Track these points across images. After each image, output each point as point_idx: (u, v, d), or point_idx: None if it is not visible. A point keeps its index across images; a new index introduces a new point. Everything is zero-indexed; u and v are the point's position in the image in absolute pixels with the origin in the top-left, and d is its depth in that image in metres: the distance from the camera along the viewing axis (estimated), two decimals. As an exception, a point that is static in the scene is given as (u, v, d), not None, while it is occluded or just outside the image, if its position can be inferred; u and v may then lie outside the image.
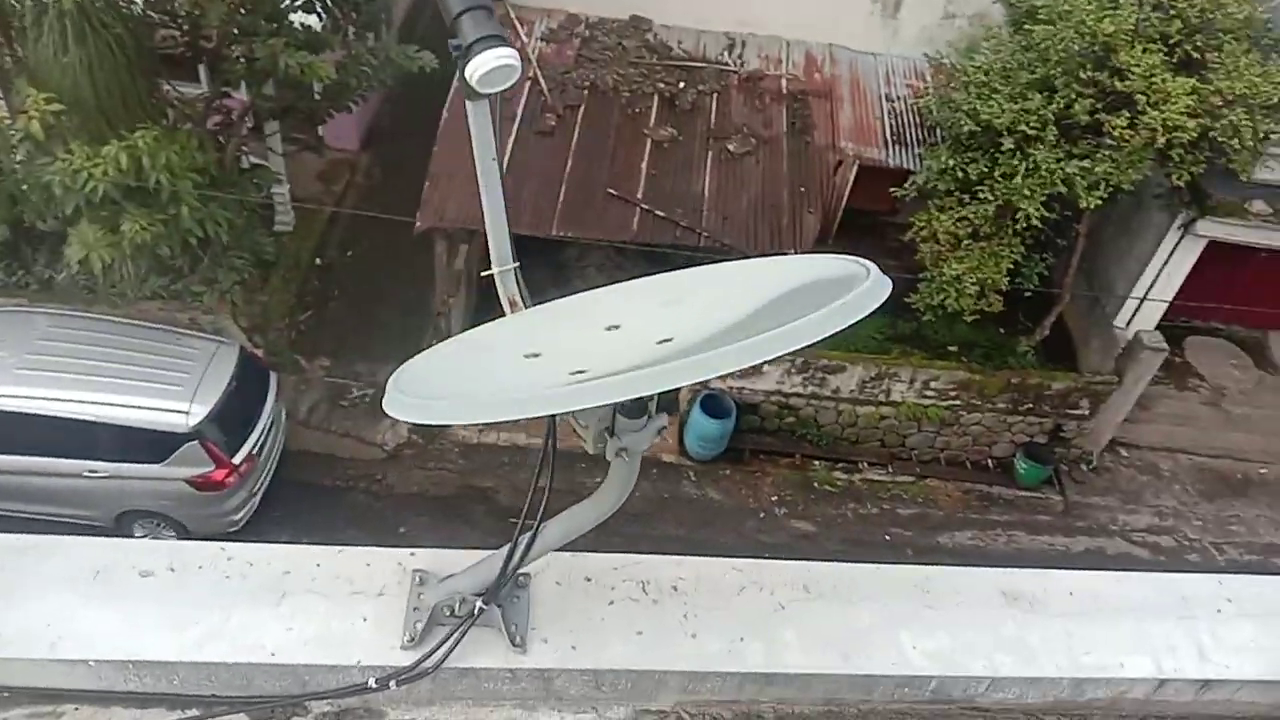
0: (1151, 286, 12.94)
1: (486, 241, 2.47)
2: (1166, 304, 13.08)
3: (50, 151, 9.44)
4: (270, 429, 10.94)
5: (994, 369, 12.92)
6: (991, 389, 12.77)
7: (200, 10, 9.53)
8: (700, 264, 2.52)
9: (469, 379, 2.16)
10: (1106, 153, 10.53)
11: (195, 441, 10.07)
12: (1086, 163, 10.67)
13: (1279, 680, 2.76)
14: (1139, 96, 10.13)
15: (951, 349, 13.43)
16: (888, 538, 12.75)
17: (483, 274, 2.57)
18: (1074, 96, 10.64)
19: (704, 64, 13.35)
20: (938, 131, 12.32)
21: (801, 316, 1.74)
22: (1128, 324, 13.28)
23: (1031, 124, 10.75)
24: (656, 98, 12.81)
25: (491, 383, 2.13)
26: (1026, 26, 11.04)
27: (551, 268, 14.55)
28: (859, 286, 1.82)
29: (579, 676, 2.51)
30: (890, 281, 1.89)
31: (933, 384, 12.85)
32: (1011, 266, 11.50)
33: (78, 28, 8.83)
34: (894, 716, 2.63)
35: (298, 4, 10.42)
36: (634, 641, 2.55)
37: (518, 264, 2.48)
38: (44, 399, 9.90)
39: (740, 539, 12.30)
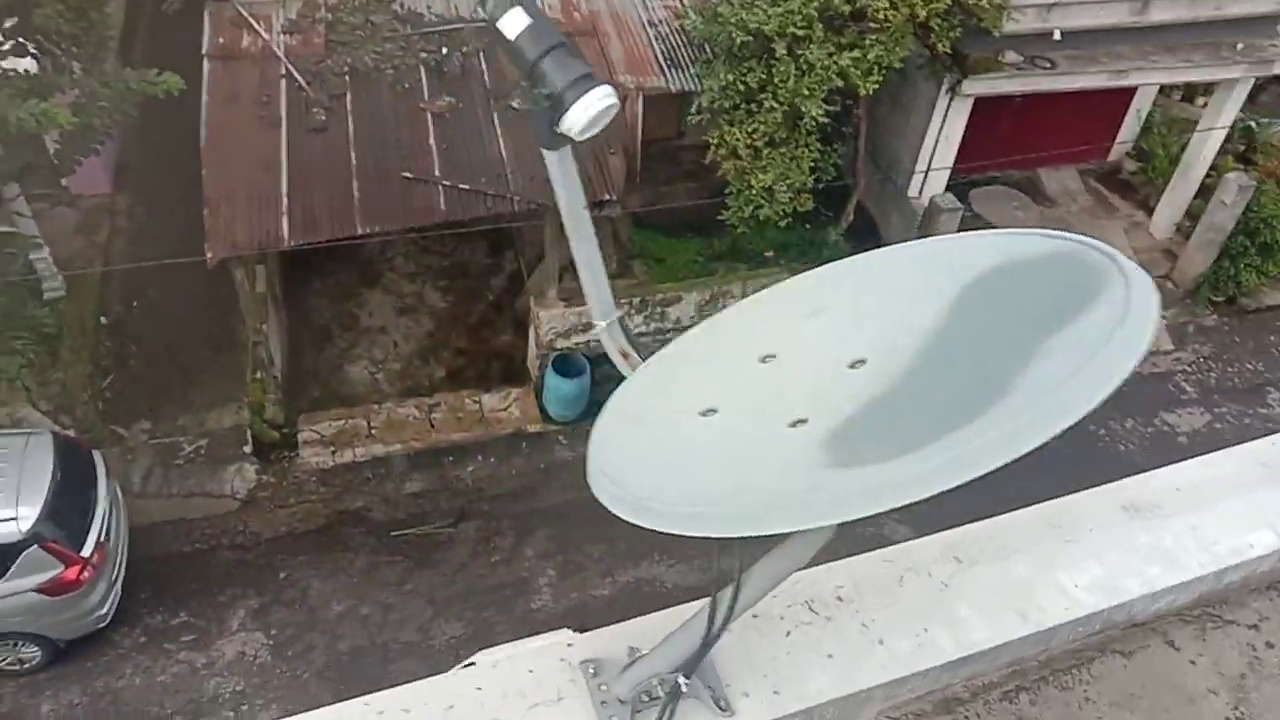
0: (934, 153, 13.70)
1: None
2: (950, 168, 13.91)
3: None
4: (111, 510, 10.04)
5: (812, 263, 13.37)
6: (817, 283, 13.24)
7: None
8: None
9: (676, 466, 1.85)
10: (874, 38, 10.95)
11: (34, 545, 9.15)
12: (856, 52, 11.08)
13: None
14: (892, -25, 10.57)
15: (769, 255, 13.83)
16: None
17: (592, 333, 2.23)
18: (832, -11, 10.98)
19: (461, 24, 12.89)
20: (708, 48, 12.43)
21: (1050, 328, 1.51)
22: (920, 192, 14.05)
23: (799, 24, 11.03)
24: (423, 69, 12.30)
25: (711, 464, 1.83)
26: (773, -70, 11.21)
27: (357, 267, 13.95)
28: (1107, 278, 1.57)
29: None
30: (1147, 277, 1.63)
31: (763, 292, 13.20)
32: (813, 164, 11.87)
33: None
34: (1070, 657, 2.65)
35: (6, 48, 9.30)
36: (830, 666, 2.40)
37: (620, 314, 2.22)
38: None
39: (622, 487, 12.36)
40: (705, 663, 2.18)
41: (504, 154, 11.46)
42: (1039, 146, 14.97)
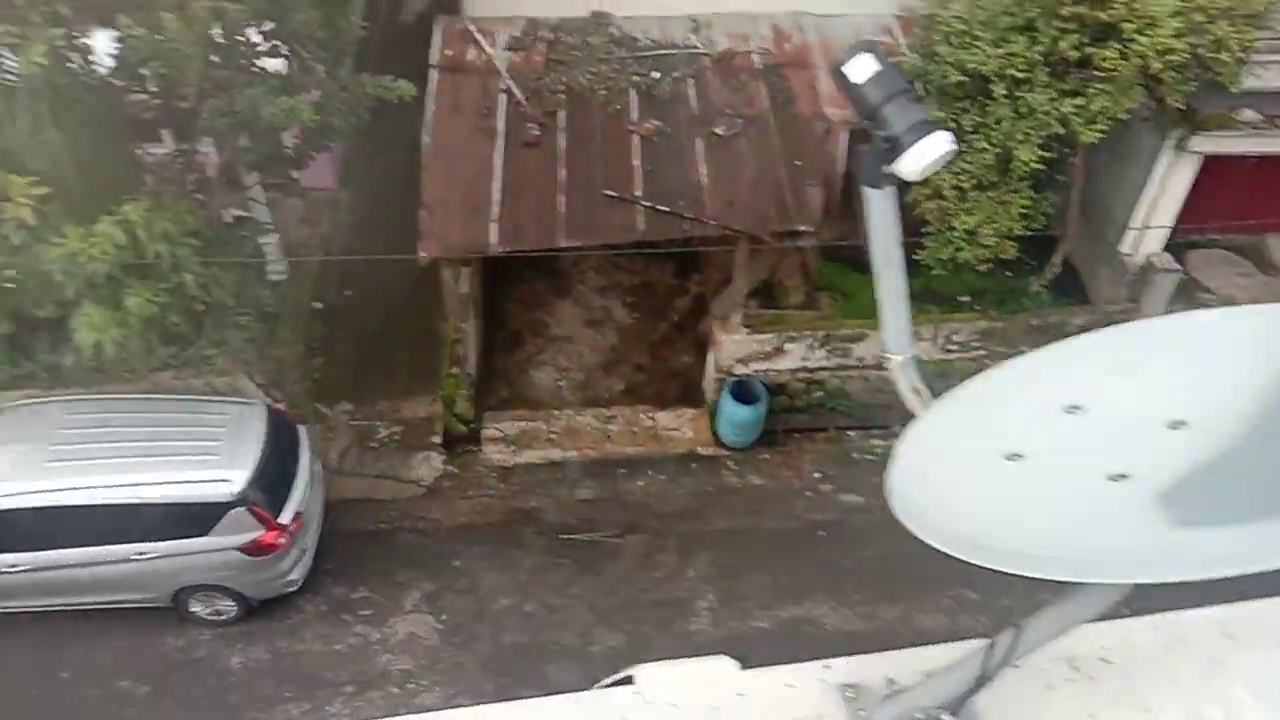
0: (1152, 210, 13.00)
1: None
2: (1168, 227, 13.17)
3: (43, 237, 9.14)
4: (310, 482, 10.74)
5: (1011, 313, 12.96)
6: (1013, 333, 12.80)
7: (176, 70, 9.25)
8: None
9: (992, 506, 1.87)
10: (1100, 86, 10.54)
11: (241, 507, 9.88)
12: (1080, 100, 10.68)
13: None
14: (1125, 25, 10.14)
15: (963, 299, 13.46)
16: (933, 496, 12.74)
17: (883, 366, 2.34)
18: (1058, 34, 10.64)
19: (673, 50, 13.20)
20: (919, 86, 12.26)
21: None
22: (1133, 249, 13.35)
23: (1019, 67, 10.74)
24: (633, 91, 12.66)
25: (1029, 507, 1.84)
26: (1000, -29, 11.00)
27: (552, 278, 14.45)
28: None
29: None
30: None
31: (955, 337, 12.87)
32: (1023, 211, 11.50)
33: (52, 107, 8.55)
34: None
35: (263, 50, 10.17)
36: None
37: (916, 353, 2.30)
38: (80, 489, 9.65)
39: (793, 521, 12.27)
40: (967, 709, 2.18)
41: (704, 179, 11.63)
42: (1271, 212, 13.97)
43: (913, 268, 12.54)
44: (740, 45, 13.39)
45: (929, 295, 13.41)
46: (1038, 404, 2.00)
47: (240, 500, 9.86)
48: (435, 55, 12.73)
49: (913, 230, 12.43)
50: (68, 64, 8.58)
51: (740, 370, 12.74)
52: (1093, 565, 1.61)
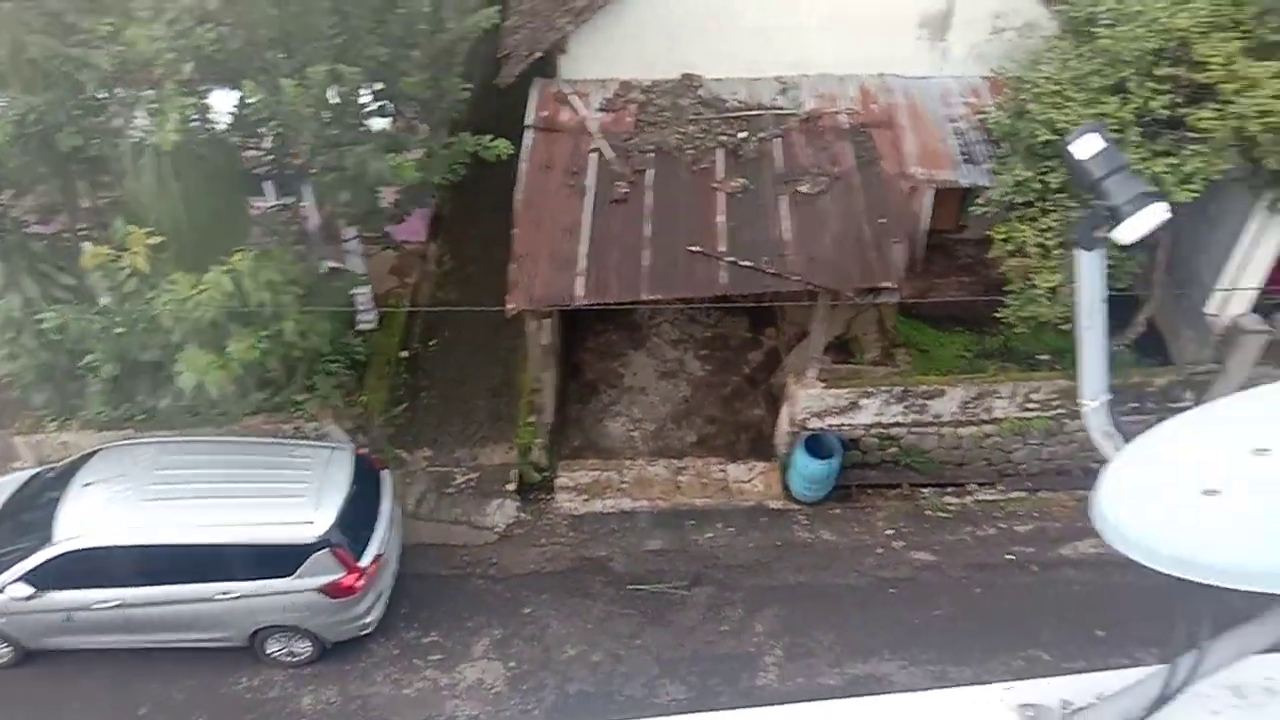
0: (1242, 271, 12.74)
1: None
2: (1257, 289, 12.88)
3: (154, 284, 9.61)
4: (390, 526, 10.97)
5: (1093, 374, 12.73)
6: (1096, 395, 12.57)
7: (292, 129, 9.71)
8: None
9: (1200, 534, 2.05)
10: (1194, 147, 10.44)
11: (324, 550, 10.13)
12: (1173, 159, 10.59)
13: None
14: (1222, 86, 10.06)
15: (1043, 358, 13.30)
16: (1009, 557, 12.54)
17: (1080, 407, 2.58)
18: (1150, 95, 10.59)
19: (761, 111, 13.40)
20: (1004, 145, 12.28)
21: None
22: (1220, 310, 13.08)
23: (1110, 127, 10.69)
24: (720, 150, 12.87)
25: (1233, 536, 2.02)
26: (1091, 31, 11.01)
27: (627, 329, 14.65)
28: None
29: None
30: None
31: (1033, 395, 12.70)
32: (1107, 270, 11.35)
33: (177, 165, 9.04)
34: None
35: (372, 110, 10.61)
36: None
37: (1109, 398, 2.49)
38: (173, 527, 10.00)
39: (862, 577, 12.16)
40: None
41: (786, 235, 11.74)
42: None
43: (989, 324, 12.58)
44: (827, 106, 13.55)
45: (1009, 354, 13.31)
46: (1226, 446, 2.16)
47: (324, 543, 10.12)
48: (531, 115, 13.13)
49: (991, 287, 12.40)
50: (191, 124, 9.06)
51: (814, 424, 12.73)
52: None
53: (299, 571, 10.18)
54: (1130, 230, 2.11)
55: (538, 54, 12.89)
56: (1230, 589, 1.79)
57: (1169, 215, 2.10)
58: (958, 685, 2.51)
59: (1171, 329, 13.89)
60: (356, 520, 10.53)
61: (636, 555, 12.40)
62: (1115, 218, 2.15)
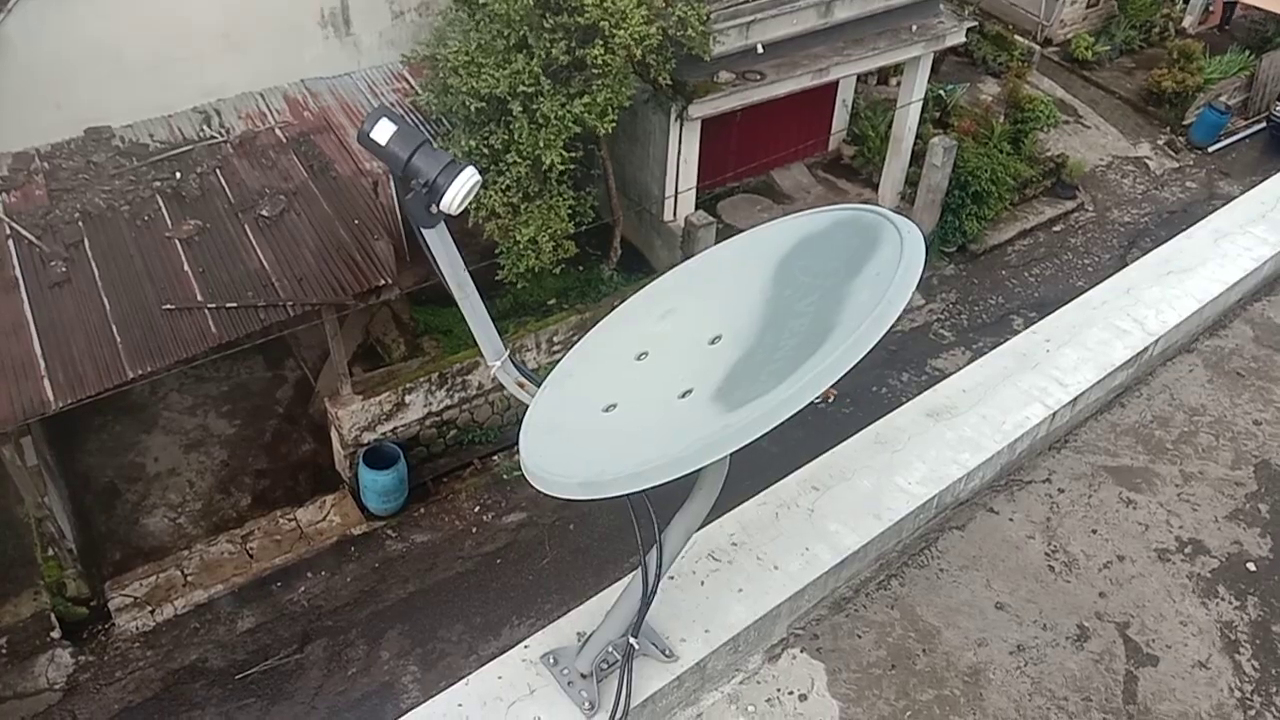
0: (678, 177, 14.54)
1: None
2: (694, 188, 14.81)
3: None
4: None
5: (595, 302, 13.88)
6: (602, 318, 13.66)
7: None
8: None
9: (599, 452, 2.19)
10: (599, 82, 11.57)
11: None
12: (587, 99, 11.65)
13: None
14: (602, 24, 11.22)
15: (551, 303, 14.19)
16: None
17: (490, 370, 2.53)
18: (549, 44, 11.51)
19: (189, 146, 12.54)
20: (444, 122, 12.71)
21: (848, 276, 1.91)
22: (674, 215, 14.86)
23: (527, 83, 11.50)
24: (159, 198, 11.86)
25: (628, 442, 2.16)
26: (480, 1, 11.66)
27: (130, 413, 13.17)
28: (881, 230, 2.03)
29: (723, 652, 2.68)
30: (912, 224, 2.09)
31: (555, 338, 13.52)
32: (570, 210, 12.33)
33: None
34: (920, 541, 3.01)
35: None
36: (742, 599, 2.75)
37: (509, 350, 2.54)
38: None
39: (468, 561, 12.28)
40: (645, 624, 2.50)
41: (264, 263, 11.21)
42: (767, 151, 16.21)
43: (498, 287, 13.04)
44: (258, 125, 13.03)
45: (521, 308, 13.99)
46: (614, 362, 2.41)
47: None
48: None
49: (487, 253, 12.92)
50: None
51: (368, 438, 12.48)
52: (682, 463, 1.91)
53: None
54: (453, 200, 2.15)
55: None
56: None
57: (479, 179, 2.20)
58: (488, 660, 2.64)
59: (645, 242, 15.52)
60: None
61: (232, 643, 11.36)
62: (434, 193, 2.15)
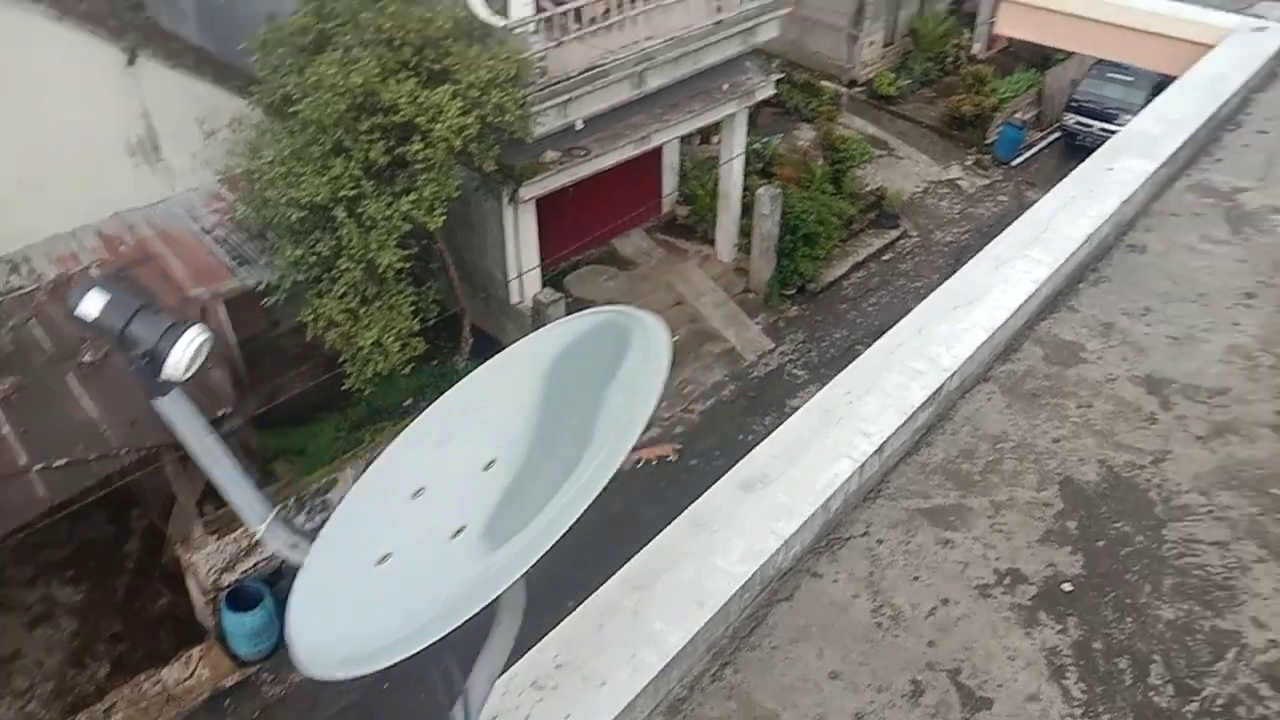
0: (519, 259, 14.54)
1: None
2: (538, 267, 14.82)
3: None
4: None
5: (453, 395, 13.60)
6: (463, 412, 13.43)
7: None
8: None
9: (369, 614, 1.98)
10: (424, 177, 11.50)
11: None
12: (414, 195, 11.55)
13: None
14: (418, 120, 11.18)
15: (408, 404, 13.86)
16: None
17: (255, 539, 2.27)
18: (367, 146, 11.40)
19: (-2, 299, 11.84)
20: (268, 235, 12.39)
21: (605, 382, 1.84)
22: (522, 296, 14.82)
23: (348, 187, 11.33)
24: (-33, 359, 11.12)
25: (399, 597, 1.96)
26: (291, 109, 11.48)
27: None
28: (633, 332, 1.98)
29: None
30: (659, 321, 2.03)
31: (416, 440, 13.16)
32: (412, 308, 12.13)
33: None
34: (750, 621, 2.92)
35: None
36: None
37: (274, 513, 2.30)
38: None
39: (349, 692, 11.56)
40: None
41: (92, 413, 10.59)
42: (604, 221, 16.43)
43: (348, 397, 12.68)
44: (72, 266, 12.41)
45: (378, 414, 13.62)
46: (390, 502, 2.19)
47: None
48: None
49: (331, 364, 12.57)
50: None
51: (228, 579, 11.80)
52: (451, 616, 1.75)
53: None
54: (178, 366, 2.00)
55: None
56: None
57: (209, 335, 2.03)
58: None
59: (497, 327, 15.39)
60: None
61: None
62: (156, 360, 2.00)
